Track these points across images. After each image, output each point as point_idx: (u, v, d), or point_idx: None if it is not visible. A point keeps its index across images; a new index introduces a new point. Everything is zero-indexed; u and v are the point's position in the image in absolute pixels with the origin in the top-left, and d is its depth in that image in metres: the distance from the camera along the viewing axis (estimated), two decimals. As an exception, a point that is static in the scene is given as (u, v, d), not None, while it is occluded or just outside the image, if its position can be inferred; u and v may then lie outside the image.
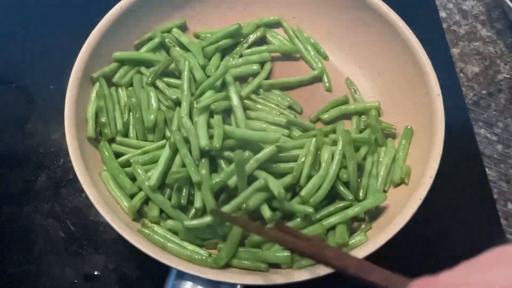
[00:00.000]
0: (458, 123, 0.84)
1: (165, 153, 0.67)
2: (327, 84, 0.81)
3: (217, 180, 0.64)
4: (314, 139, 0.67)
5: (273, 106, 0.76)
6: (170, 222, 0.65)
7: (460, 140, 0.81)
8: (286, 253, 0.61)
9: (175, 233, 0.65)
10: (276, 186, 0.60)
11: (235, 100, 0.71)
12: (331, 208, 0.66)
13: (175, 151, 0.67)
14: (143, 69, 0.77)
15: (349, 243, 0.63)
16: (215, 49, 0.78)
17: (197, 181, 0.63)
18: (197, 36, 0.83)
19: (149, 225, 0.65)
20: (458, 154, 0.76)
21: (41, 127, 0.82)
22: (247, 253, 0.63)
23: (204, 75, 0.73)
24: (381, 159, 0.72)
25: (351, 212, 0.65)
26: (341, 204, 0.66)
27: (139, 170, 0.67)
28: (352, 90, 0.81)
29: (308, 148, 0.66)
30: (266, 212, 0.62)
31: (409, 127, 0.73)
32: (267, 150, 0.64)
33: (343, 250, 0.62)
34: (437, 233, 0.75)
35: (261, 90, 0.79)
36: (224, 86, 0.73)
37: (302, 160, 0.66)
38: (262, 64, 0.81)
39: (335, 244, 0.62)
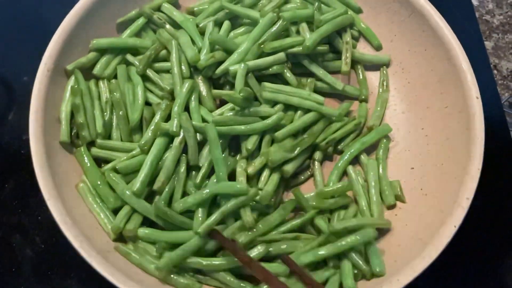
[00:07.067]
0: (493, 128, 0.73)
1: (151, 153, 0.58)
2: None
3: None
4: None
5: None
6: (145, 230, 0.57)
7: (496, 149, 0.70)
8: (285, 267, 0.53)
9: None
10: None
11: None
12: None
13: (161, 151, 0.59)
14: (129, 56, 0.66)
15: None
16: (214, 22, 0.67)
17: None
18: (191, 13, 0.71)
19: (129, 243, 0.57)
20: (494, 166, 0.65)
21: (11, 125, 0.72)
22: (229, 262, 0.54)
23: (197, 53, 0.63)
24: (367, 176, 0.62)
25: (322, 251, 0.54)
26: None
27: (115, 178, 0.58)
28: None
29: None
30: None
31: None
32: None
33: None
34: (472, 259, 0.65)
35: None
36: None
37: None
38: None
39: None
